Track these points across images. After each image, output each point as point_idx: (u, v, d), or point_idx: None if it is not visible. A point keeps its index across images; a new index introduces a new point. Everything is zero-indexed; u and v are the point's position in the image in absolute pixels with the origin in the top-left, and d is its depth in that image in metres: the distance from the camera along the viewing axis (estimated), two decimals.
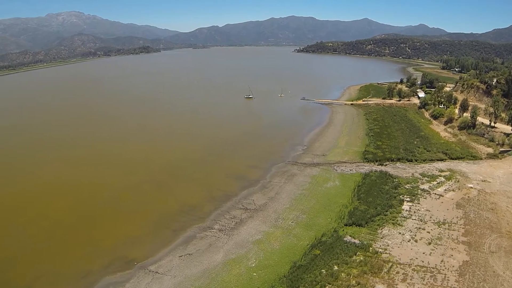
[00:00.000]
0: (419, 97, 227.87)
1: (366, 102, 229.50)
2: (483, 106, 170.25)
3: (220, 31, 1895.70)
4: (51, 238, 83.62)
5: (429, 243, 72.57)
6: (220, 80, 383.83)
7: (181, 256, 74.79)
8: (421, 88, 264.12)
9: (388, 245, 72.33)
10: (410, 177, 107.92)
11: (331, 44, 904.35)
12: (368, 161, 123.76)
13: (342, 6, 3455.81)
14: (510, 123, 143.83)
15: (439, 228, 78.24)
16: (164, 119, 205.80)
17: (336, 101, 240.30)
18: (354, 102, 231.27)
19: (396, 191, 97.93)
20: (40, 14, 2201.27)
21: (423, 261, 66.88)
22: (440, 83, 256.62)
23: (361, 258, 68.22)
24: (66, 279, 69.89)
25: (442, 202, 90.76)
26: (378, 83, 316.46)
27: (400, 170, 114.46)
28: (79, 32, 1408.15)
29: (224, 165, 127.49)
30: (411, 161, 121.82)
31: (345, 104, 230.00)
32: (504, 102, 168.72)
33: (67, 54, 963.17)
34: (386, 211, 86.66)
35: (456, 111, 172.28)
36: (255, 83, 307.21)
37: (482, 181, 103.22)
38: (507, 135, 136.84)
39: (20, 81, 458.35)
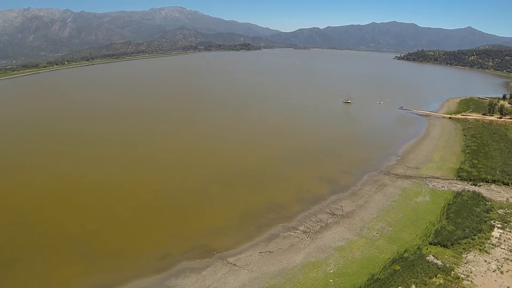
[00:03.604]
0: None
1: (465, 116, 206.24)
2: None
3: (320, 33, 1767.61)
4: (137, 217, 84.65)
5: None
6: (320, 82, 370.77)
7: (261, 252, 72.48)
8: None
9: (471, 272, 65.67)
10: (505, 201, 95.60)
11: (432, 54, 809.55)
12: (461, 179, 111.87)
13: (445, 13, 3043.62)
14: None
15: None
16: (260, 116, 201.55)
17: (434, 113, 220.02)
18: (453, 116, 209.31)
19: (488, 215, 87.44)
20: (144, 8, 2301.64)
21: None
22: None
23: (441, 281, 62.83)
24: (145, 257, 70.16)
25: None
26: (479, 98, 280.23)
27: (494, 193, 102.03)
28: (181, 26, 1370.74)
29: (317, 167, 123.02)
30: (507, 185, 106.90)
31: (443, 117, 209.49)
32: None
33: (168, 47, 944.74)
34: (474, 235, 78.03)
35: None
36: (354, 88, 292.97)
37: None
38: None
39: (121, 70, 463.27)
